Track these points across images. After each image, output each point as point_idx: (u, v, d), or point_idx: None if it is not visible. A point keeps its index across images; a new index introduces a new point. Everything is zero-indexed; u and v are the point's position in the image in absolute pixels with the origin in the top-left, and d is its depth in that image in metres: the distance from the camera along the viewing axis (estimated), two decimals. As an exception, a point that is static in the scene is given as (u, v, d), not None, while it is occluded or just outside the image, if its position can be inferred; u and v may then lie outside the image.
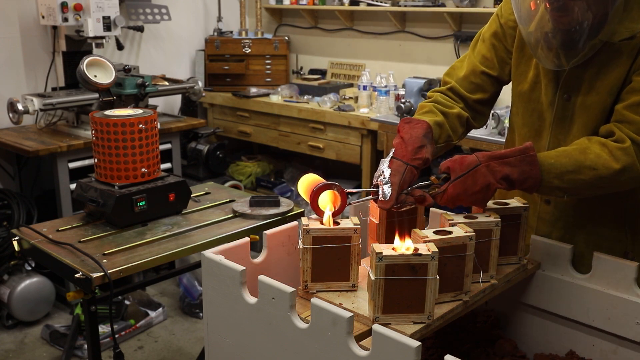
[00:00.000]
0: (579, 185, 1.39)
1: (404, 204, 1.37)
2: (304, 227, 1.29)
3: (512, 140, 1.71)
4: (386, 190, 1.34)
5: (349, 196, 1.37)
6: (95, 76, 2.50)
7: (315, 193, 1.32)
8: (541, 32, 1.41)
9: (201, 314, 3.33)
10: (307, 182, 1.37)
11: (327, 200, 1.33)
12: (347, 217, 1.36)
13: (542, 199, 1.60)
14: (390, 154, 1.41)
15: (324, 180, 1.35)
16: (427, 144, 1.44)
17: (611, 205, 1.54)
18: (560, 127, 1.54)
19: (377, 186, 1.37)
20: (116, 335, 3.14)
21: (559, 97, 1.52)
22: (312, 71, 4.81)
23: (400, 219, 1.42)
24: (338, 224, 1.31)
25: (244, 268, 1.27)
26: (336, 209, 1.33)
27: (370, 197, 1.39)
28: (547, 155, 1.40)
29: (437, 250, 1.17)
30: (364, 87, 3.98)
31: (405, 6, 4.08)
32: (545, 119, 1.57)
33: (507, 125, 3.07)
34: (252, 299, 1.25)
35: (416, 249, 1.17)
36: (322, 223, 1.31)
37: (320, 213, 1.32)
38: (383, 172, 1.37)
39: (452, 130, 1.56)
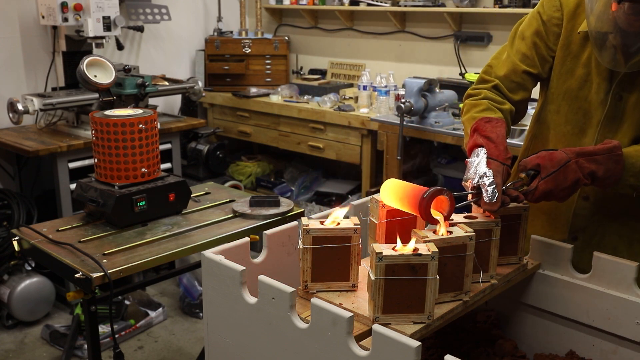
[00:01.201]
0: None
1: (504, 205, 1.35)
2: (304, 227, 1.29)
3: (544, 138, 1.67)
4: (490, 191, 1.32)
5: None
6: (95, 76, 2.50)
7: (428, 200, 1.23)
8: (611, 32, 1.38)
9: (201, 314, 3.33)
10: (398, 188, 1.30)
11: (436, 207, 1.27)
12: (347, 217, 1.36)
13: (580, 195, 1.59)
14: (483, 154, 1.39)
15: (418, 186, 1.28)
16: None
17: None
18: (609, 127, 1.53)
19: (478, 188, 1.34)
20: (116, 335, 3.14)
21: (611, 97, 1.51)
22: (312, 71, 4.81)
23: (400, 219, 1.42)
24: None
25: (244, 268, 1.27)
26: (446, 214, 1.27)
27: (472, 200, 1.36)
28: (629, 155, 1.41)
29: (437, 250, 1.17)
30: (364, 87, 3.98)
31: (405, 6, 4.08)
32: (593, 117, 1.56)
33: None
34: (252, 299, 1.25)
35: (416, 249, 1.17)
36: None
37: (432, 220, 1.26)
38: (485, 173, 1.35)
39: (508, 125, 1.56)
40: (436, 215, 1.26)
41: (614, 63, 1.43)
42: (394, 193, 1.31)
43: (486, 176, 1.34)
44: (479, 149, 1.42)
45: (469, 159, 1.42)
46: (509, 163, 1.40)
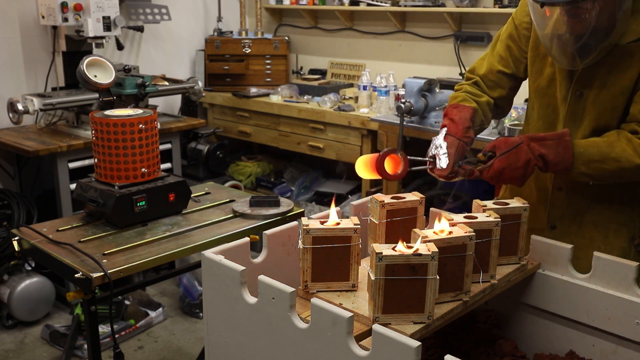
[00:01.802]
0: (604, 174, 1.53)
1: (456, 175, 1.54)
2: (304, 227, 1.29)
3: (527, 132, 1.80)
4: (443, 160, 1.53)
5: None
6: (95, 76, 2.50)
7: (383, 156, 1.43)
8: (556, 35, 1.53)
9: (201, 314, 3.33)
10: (365, 158, 1.46)
11: (390, 165, 1.46)
12: (347, 217, 1.36)
13: (554, 186, 1.70)
14: (444, 131, 1.60)
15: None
16: (471, 126, 1.65)
17: (621, 190, 1.63)
18: (572, 121, 1.64)
19: (434, 157, 1.55)
20: (116, 335, 3.14)
21: (571, 93, 1.63)
22: (312, 71, 4.81)
23: (400, 219, 1.42)
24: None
25: (244, 268, 1.27)
26: (399, 171, 1.46)
27: (426, 166, 1.55)
28: (579, 144, 1.54)
29: (437, 250, 1.17)
30: (364, 87, 3.98)
31: (405, 6, 4.08)
32: (559, 113, 1.68)
33: (508, 125, 3.08)
34: (252, 299, 1.25)
35: (416, 249, 1.17)
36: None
37: (387, 175, 1.45)
38: (440, 145, 1.56)
39: (484, 115, 1.75)
40: (391, 172, 1.46)
41: (567, 63, 1.57)
42: (363, 164, 1.46)
43: (441, 147, 1.56)
44: (443, 128, 1.63)
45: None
46: (467, 141, 1.60)
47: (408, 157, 1.48)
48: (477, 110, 1.70)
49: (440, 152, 1.54)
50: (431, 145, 1.59)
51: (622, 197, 1.64)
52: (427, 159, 1.56)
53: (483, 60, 1.84)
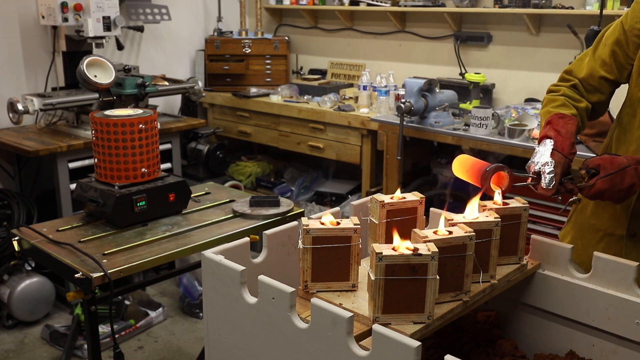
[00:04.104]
0: None
1: (558, 193, 1.50)
2: (304, 227, 1.29)
3: (626, 142, 1.71)
4: (548, 179, 1.47)
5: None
6: (95, 76, 2.51)
7: (490, 172, 1.43)
8: None
9: (201, 314, 3.33)
10: (466, 162, 1.48)
11: (494, 180, 1.46)
12: (347, 217, 1.36)
13: (638, 195, 1.62)
14: (550, 146, 1.52)
15: (483, 161, 1.47)
16: (574, 141, 1.57)
17: None
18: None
19: (538, 174, 1.49)
20: (116, 335, 3.14)
21: None
22: (312, 71, 4.81)
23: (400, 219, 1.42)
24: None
25: (244, 268, 1.27)
26: (504, 188, 1.46)
27: (529, 183, 1.51)
28: None
29: (437, 250, 1.17)
30: (364, 87, 3.98)
31: (405, 6, 4.08)
32: None
33: (508, 125, 3.07)
34: (252, 299, 1.25)
35: (416, 249, 1.17)
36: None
37: (490, 192, 1.44)
38: (547, 162, 1.49)
39: (582, 121, 1.67)
40: (495, 188, 1.44)
41: None
42: (461, 165, 1.47)
43: (548, 165, 1.48)
44: (548, 140, 1.54)
45: (536, 146, 1.55)
46: (572, 158, 1.52)
47: (514, 173, 1.47)
48: (580, 119, 1.65)
49: (547, 170, 1.48)
50: (535, 157, 1.52)
51: None
52: (530, 175, 1.51)
53: (582, 62, 1.75)
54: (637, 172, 1.48)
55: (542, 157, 1.50)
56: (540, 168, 1.49)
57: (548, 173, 1.47)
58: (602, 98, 1.73)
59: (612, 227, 1.65)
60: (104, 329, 3.10)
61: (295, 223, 1.54)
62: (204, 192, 2.46)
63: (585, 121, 1.70)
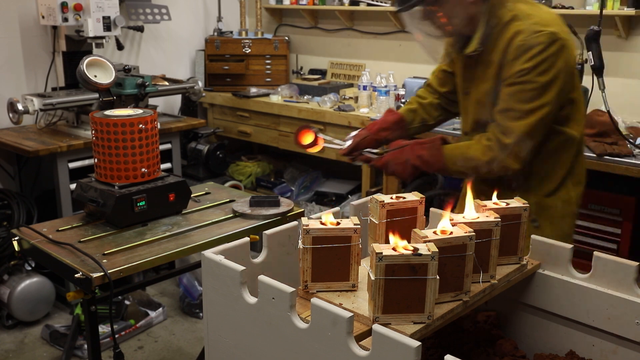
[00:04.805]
0: (469, 171, 1.83)
1: (354, 160, 2.02)
2: (304, 227, 1.29)
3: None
4: (347, 144, 2.02)
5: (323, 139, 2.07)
6: (95, 76, 2.51)
7: (298, 130, 2.04)
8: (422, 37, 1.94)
9: (201, 314, 3.33)
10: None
11: (306, 137, 2.02)
12: (347, 217, 1.36)
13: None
14: (363, 126, 2.09)
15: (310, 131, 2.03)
16: (393, 129, 2.09)
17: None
18: (465, 115, 2.02)
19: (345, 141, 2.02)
20: (116, 335, 3.14)
21: (462, 92, 2.00)
22: (312, 71, 4.81)
23: (400, 219, 1.42)
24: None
25: (244, 268, 1.27)
26: (307, 144, 2.02)
27: (335, 146, 2.04)
28: (447, 147, 1.89)
29: (437, 250, 1.17)
30: (364, 87, 3.98)
31: (405, 6, 4.07)
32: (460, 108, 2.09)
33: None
34: (252, 299, 1.25)
35: (416, 249, 1.17)
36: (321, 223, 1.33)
37: (301, 146, 2.03)
38: (352, 134, 2.06)
39: (427, 114, 2.16)
40: (303, 142, 2.03)
41: (441, 57, 1.99)
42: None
43: (350, 135, 2.06)
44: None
45: None
46: (377, 138, 2.05)
47: (324, 136, 2.05)
48: (414, 111, 2.14)
49: (348, 138, 2.04)
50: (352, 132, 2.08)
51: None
52: (342, 142, 2.03)
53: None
54: (411, 148, 1.89)
55: (354, 132, 2.07)
56: (346, 138, 2.05)
57: (347, 140, 2.03)
58: (450, 88, 2.10)
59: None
60: (104, 329, 3.10)
61: (295, 223, 1.54)
62: (204, 192, 2.46)
63: (435, 113, 2.16)
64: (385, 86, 3.89)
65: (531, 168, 1.87)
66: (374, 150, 1.99)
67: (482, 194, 1.99)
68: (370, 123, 2.10)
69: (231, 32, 4.76)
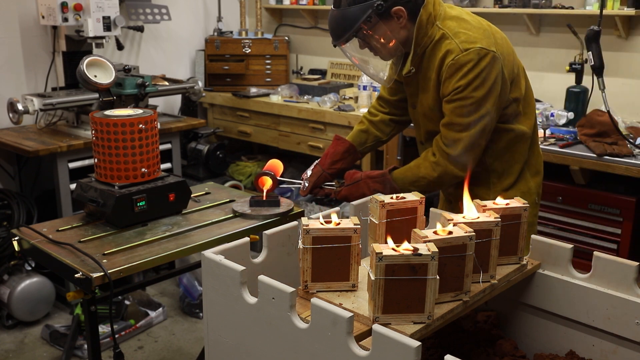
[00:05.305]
0: (423, 188, 1.93)
1: (316, 195, 2.14)
2: (304, 227, 1.29)
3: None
4: (305, 184, 2.15)
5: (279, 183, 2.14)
6: (95, 76, 2.51)
7: (258, 175, 2.12)
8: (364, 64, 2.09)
9: (201, 314, 3.33)
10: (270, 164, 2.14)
11: (265, 182, 2.10)
12: (347, 217, 1.36)
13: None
14: (315, 163, 2.18)
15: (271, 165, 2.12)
16: (345, 158, 2.17)
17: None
18: (417, 127, 2.13)
19: (303, 180, 2.15)
20: (116, 335, 3.14)
21: (410, 106, 2.09)
22: (312, 71, 4.81)
23: (400, 219, 1.42)
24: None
25: (244, 268, 1.27)
26: (268, 189, 2.11)
27: (299, 186, 2.15)
28: (396, 174, 2.01)
29: (437, 250, 1.17)
30: (364, 87, 3.98)
31: (405, 6, 4.07)
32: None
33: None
34: (252, 299, 1.25)
35: (416, 249, 1.17)
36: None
37: (260, 190, 2.11)
38: (307, 173, 2.17)
39: (379, 131, 2.24)
40: (262, 187, 2.11)
41: (385, 80, 2.07)
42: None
43: (307, 175, 2.17)
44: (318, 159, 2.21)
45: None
46: (331, 172, 2.15)
47: (282, 178, 2.14)
48: (366, 131, 2.22)
49: (305, 178, 2.16)
50: (307, 170, 2.18)
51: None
52: (301, 181, 2.16)
53: None
54: (365, 183, 2.02)
55: (309, 170, 2.17)
56: (304, 177, 2.16)
57: (305, 180, 2.15)
58: (402, 96, 2.16)
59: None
60: (104, 329, 3.10)
61: (295, 223, 1.54)
62: (204, 192, 2.46)
63: (387, 129, 2.24)
64: (385, 86, 3.88)
65: (488, 166, 2.01)
66: (331, 184, 2.12)
67: (450, 195, 2.16)
68: (322, 156, 2.18)
69: (231, 32, 4.76)
